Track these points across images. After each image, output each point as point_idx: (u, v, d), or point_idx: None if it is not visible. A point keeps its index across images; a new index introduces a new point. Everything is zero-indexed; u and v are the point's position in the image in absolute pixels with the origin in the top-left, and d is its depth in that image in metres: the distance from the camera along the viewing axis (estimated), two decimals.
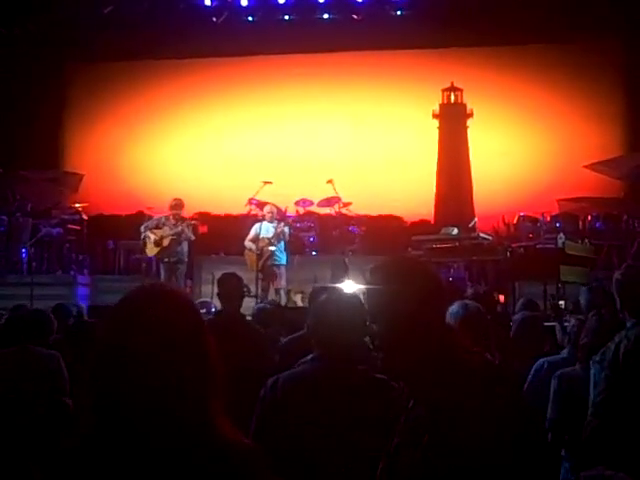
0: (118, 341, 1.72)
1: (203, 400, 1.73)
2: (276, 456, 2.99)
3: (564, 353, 4.85)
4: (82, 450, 1.71)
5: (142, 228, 11.24)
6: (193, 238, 11.28)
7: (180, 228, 10.94)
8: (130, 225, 13.11)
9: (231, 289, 5.62)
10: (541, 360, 4.76)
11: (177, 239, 11.01)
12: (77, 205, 13.94)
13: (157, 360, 1.69)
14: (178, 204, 11.12)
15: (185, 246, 11.21)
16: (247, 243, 11.36)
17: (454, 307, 3.95)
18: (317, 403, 3.11)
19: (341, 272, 11.32)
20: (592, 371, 3.61)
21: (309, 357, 3.28)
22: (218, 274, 6.22)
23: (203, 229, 12.67)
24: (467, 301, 4.25)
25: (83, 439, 1.73)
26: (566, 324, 5.02)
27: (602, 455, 3.35)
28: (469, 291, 6.04)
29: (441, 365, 2.13)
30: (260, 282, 11.00)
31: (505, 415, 2.08)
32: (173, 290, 1.82)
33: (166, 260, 11.06)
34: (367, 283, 2.24)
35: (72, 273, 13.25)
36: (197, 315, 1.80)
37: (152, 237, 11.04)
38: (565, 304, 9.24)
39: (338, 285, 7.73)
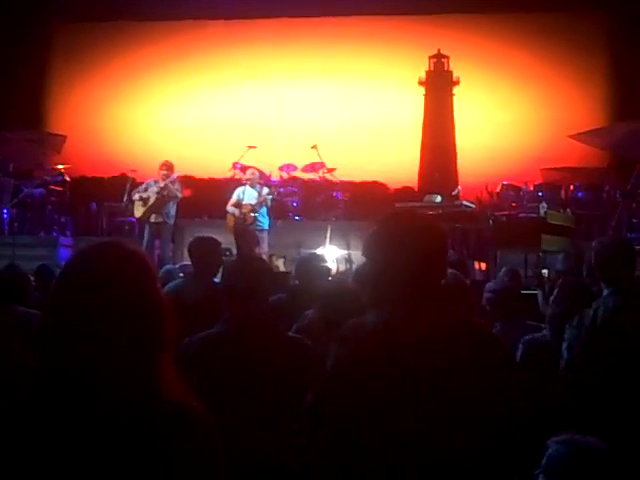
0: (63, 296, 1.73)
1: (150, 358, 1.72)
2: None
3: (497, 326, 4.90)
4: (17, 408, 1.71)
5: (136, 196, 11.06)
6: (180, 196, 11.12)
7: (164, 184, 10.80)
8: (113, 187, 13.06)
9: (201, 255, 5.51)
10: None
11: (162, 197, 10.88)
12: (60, 166, 13.84)
13: (102, 315, 1.69)
14: (167, 166, 10.99)
15: (172, 208, 11.07)
16: (229, 207, 11.33)
17: None
18: (226, 363, 3.19)
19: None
20: (566, 335, 3.68)
21: (221, 319, 3.37)
22: None
23: (187, 192, 12.62)
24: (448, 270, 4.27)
25: (20, 398, 1.73)
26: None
27: (574, 416, 3.43)
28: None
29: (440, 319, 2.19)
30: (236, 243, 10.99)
31: (501, 370, 2.16)
32: (125, 248, 1.80)
33: (152, 221, 10.95)
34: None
35: (54, 234, 13.21)
36: (147, 271, 1.79)
37: (140, 198, 10.94)
38: (548, 273, 9.31)
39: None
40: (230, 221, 11.28)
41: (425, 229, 2.26)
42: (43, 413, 1.68)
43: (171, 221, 11.13)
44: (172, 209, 11.05)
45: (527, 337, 4.36)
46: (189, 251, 5.70)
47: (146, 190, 10.97)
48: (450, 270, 4.25)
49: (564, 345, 3.69)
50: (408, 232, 2.23)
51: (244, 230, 11.05)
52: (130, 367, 1.70)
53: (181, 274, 7.03)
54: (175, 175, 11.01)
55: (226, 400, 2.93)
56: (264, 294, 3.39)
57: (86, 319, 1.68)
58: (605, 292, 3.72)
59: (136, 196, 11.00)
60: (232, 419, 2.64)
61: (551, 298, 4.56)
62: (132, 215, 11.43)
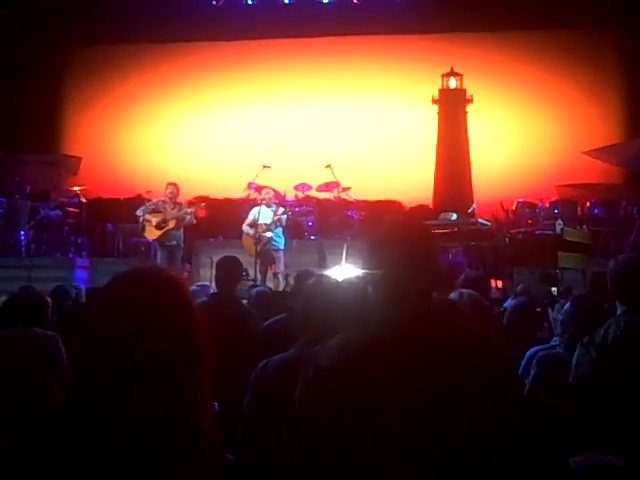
0: (105, 322, 1.70)
1: (188, 386, 1.71)
2: (266, 439, 3.01)
3: (555, 341, 4.88)
4: (46, 427, 1.69)
5: (139, 212, 11.20)
6: (195, 222, 11.30)
7: (183, 213, 10.95)
8: (129, 208, 13.11)
9: (227, 271, 5.60)
10: (533, 349, 4.79)
11: (180, 223, 11.00)
12: (76, 188, 13.92)
13: (143, 343, 1.67)
14: (172, 187, 11.13)
15: (182, 231, 11.22)
16: (245, 227, 11.36)
17: (452, 296, 3.97)
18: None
19: (321, 260, 11.42)
20: (576, 352, 3.66)
21: (300, 342, 3.28)
22: (216, 258, 6.20)
23: (202, 213, 12.67)
24: (462, 289, 4.26)
25: (49, 417, 1.71)
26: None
27: (587, 435, 3.39)
28: (461, 276, 6.03)
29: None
30: (258, 266, 11.02)
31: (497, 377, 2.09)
32: (164, 272, 1.79)
33: (167, 244, 11.04)
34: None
35: (71, 256, 13.26)
36: (187, 298, 1.78)
37: (153, 220, 11.00)
38: (558, 290, 9.26)
39: (326, 271, 7.77)
40: (246, 241, 11.31)
41: (410, 237, 2.23)
42: (73, 438, 1.65)
43: (182, 243, 11.26)
44: (181, 231, 11.21)
45: (541, 353, 4.35)
46: (217, 269, 5.71)
47: (156, 211, 11.04)
48: (466, 290, 4.25)
49: (572, 362, 3.67)
50: (392, 241, 2.21)
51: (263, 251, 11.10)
52: (170, 395, 1.68)
53: (201, 294, 7.03)
54: (195, 208, 11.17)
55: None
56: (346, 316, 3.31)
57: (129, 346, 1.66)
58: (619, 311, 3.70)
59: (147, 216, 11.06)
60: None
61: (561, 314, 4.54)
62: (144, 236, 11.49)
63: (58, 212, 13.36)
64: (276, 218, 11.22)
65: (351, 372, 2.06)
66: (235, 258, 5.84)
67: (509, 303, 6.67)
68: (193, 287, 7.97)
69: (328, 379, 2.07)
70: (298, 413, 2.15)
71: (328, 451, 2.04)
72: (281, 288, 10.74)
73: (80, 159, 15.02)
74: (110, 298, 1.75)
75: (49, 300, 5.56)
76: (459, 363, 2.05)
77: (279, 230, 11.35)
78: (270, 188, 11.90)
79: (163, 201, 11.11)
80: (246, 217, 11.53)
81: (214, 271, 6.01)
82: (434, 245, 2.35)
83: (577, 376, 3.63)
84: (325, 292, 3.34)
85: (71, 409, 1.69)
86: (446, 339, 2.11)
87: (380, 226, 2.33)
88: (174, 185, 11.17)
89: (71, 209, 13.56)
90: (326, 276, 4.06)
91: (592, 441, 3.27)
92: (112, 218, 14.12)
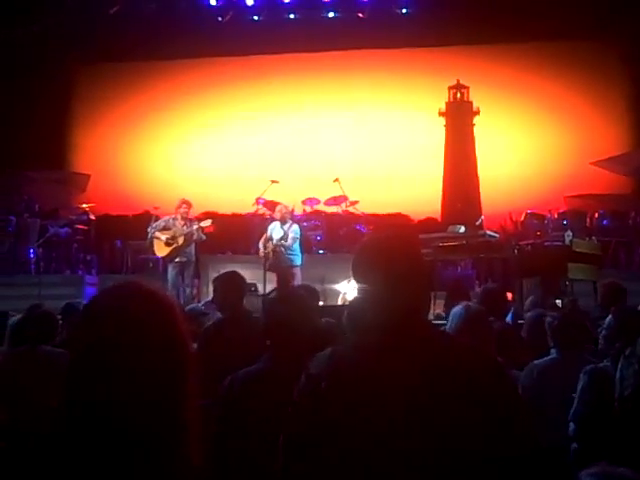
0: (89, 340, 1.71)
1: (176, 396, 1.72)
2: (235, 453, 3.08)
3: (553, 353, 4.85)
4: (46, 448, 1.70)
5: (149, 229, 11.18)
6: (204, 238, 11.24)
7: (192, 229, 10.93)
8: (137, 225, 13.14)
9: (228, 286, 5.55)
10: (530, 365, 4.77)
11: (189, 240, 10.99)
12: (84, 205, 13.97)
13: (128, 359, 1.68)
14: (186, 205, 11.09)
15: (193, 246, 11.19)
16: (260, 244, 11.31)
17: (457, 308, 3.95)
18: (269, 401, 3.13)
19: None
20: (619, 365, 3.62)
21: (264, 356, 3.37)
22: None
23: (210, 228, 12.66)
24: (470, 303, 4.24)
25: (50, 438, 1.72)
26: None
27: (628, 450, 3.36)
28: (477, 289, 6.03)
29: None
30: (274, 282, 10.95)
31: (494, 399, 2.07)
32: (147, 288, 1.79)
33: (177, 260, 11.03)
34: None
35: (80, 273, 13.29)
36: (172, 312, 1.78)
37: (163, 237, 10.99)
38: (562, 302, 9.21)
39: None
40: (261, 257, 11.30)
41: (390, 254, 2.23)
42: (69, 454, 1.67)
43: (193, 259, 11.23)
44: (192, 248, 11.16)
45: (589, 366, 4.29)
46: (214, 286, 5.70)
47: (166, 228, 11.01)
48: (474, 304, 4.22)
49: (617, 376, 3.62)
50: (380, 257, 2.23)
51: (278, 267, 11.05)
52: (156, 407, 1.69)
53: (207, 310, 7.03)
54: (203, 224, 11.11)
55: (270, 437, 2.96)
56: (305, 329, 3.38)
57: (111, 360, 1.67)
58: None
59: (156, 233, 11.03)
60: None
61: (604, 326, 4.49)
62: (153, 252, 11.47)
63: (67, 230, 13.40)
64: (284, 234, 11.11)
65: (339, 379, 2.10)
66: (235, 273, 5.77)
67: (510, 317, 6.64)
68: (194, 305, 7.97)
69: (318, 385, 2.11)
70: (292, 419, 2.18)
71: (322, 458, 2.06)
72: None
73: (88, 176, 15.10)
74: (91, 314, 1.77)
75: (58, 317, 5.57)
76: (445, 374, 2.06)
77: (296, 246, 11.23)
78: (282, 205, 11.85)
79: (174, 218, 11.08)
80: (254, 232, 11.51)
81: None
82: (418, 260, 2.31)
83: (622, 391, 3.58)
84: (283, 307, 3.41)
85: (62, 427, 1.70)
86: (432, 352, 2.12)
87: (362, 243, 2.34)
88: (186, 202, 11.12)
89: (80, 226, 13.60)
90: (288, 290, 4.12)
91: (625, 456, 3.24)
92: (120, 235, 14.14)
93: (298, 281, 11.14)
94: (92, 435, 1.67)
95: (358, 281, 2.25)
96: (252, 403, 3.21)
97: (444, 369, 2.07)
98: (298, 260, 11.22)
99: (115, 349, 1.68)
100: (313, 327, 3.46)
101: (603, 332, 4.51)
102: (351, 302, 3.62)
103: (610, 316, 4.48)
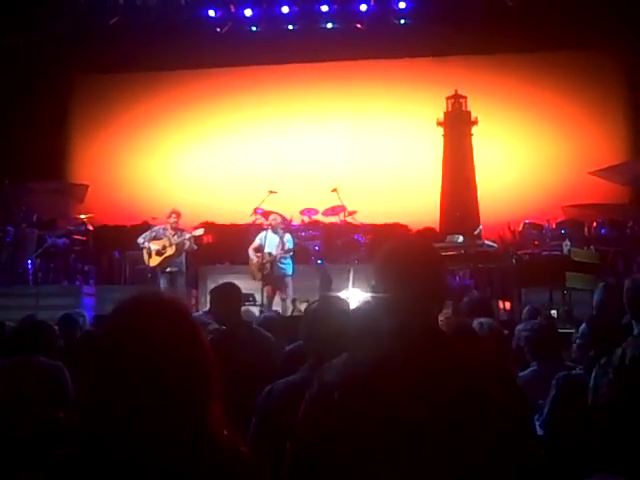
0: (113, 351, 1.72)
1: (200, 407, 1.73)
2: (271, 462, 3.06)
3: (533, 365, 4.84)
4: (72, 461, 1.70)
5: (140, 239, 11.22)
6: (195, 248, 11.27)
7: (183, 239, 10.94)
8: (135, 235, 13.12)
9: (225, 298, 5.54)
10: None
11: (180, 249, 11.01)
12: (82, 216, 13.97)
13: (152, 369, 1.69)
14: (175, 215, 11.15)
15: (183, 256, 11.22)
16: (250, 252, 11.35)
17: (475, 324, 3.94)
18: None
19: (326, 283, 11.39)
20: (593, 374, 3.62)
21: (305, 365, 3.31)
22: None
23: (208, 239, 12.67)
24: (482, 319, 4.24)
25: (74, 450, 1.72)
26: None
27: (602, 459, 3.35)
28: (465, 299, 6.00)
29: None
30: (265, 291, 11.01)
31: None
32: (167, 298, 1.81)
33: (167, 270, 11.05)
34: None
35: (78, 283, 13.27)
36: (192, 322, 1.81)
37: (153, 247, 11.03)
38: (558, 313, 9.20)
39: (337, 294, 7.72)
40: (251, 266, 11.30)
41: (412, 259, 2.23)
42: (91, 465, 1.68)
43: (184, 269, 11.24)
44: (183, 258, 11.19)
45: (561, 373, 4.30)
46: (210, 297, 5.70)
47: (156, 238, 11.05)
48: (485, 320, 4.22)
49: (591, 384, 3.62)
50: (395, 265, 2.22)
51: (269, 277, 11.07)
52: (184, 418, 1.70)
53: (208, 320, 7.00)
54: (195, 234, 11.12)
55: None
56: (346, 339, 3.33)
57: (136, 373, 1.69)
58: (635, 330, 3.65)
59: (145, 244, 11.08)
60: None
61: (578, 335, 4.49)
62: (143, 262, 11.48)
63: (65, 240, 13.39)
64: (280, 248, 11.15)
65: (353, 388, 2.07)
66: (231, 284, 5.77)
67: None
68: (198, 313, 7.95)
69: (331, 393, 2.08)
70: (302, 427, 2.16)
71: (331, 466, 2.04)
72: (289, 313, 10.72)
73: (87, 186, 15.10)
74: (116, 327, 1.77)
75: (56, 328, 5.55)
76: (458, 385, 2.05)
77: (289, 256, 11.33)
78: (277, 213, 11.89)
79: (164, 228, 11.13)
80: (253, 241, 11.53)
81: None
82: (439, 267, 2.30)
83: (595, 399, 3.59)
84: (327, 316, 3.34)
85: (86, 445, 1.70)
86: (448, 362, 2.11)
87: (383, 249, 2.31)
88: (176, 212, 11.19)
89: (78, 237, 13.58)
90: (329, 299, 4.05)
91: (608, 462, 3.23)
92: (118, 245, 14.12)
93: (290, 291, 11.21)
94: (111, 450, 1.67)
95: (378, 287, 2.22)
96: (290, 413, 3.18)
97: (460, 382, 2.06)
98: (290, 270, 11.30)
99: (142, 364, 1.69)
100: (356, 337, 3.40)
101: (577, 341, 4.52)
102: (355, 310, 3.56)
103: (584, 325, 4.49)
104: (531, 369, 4.83)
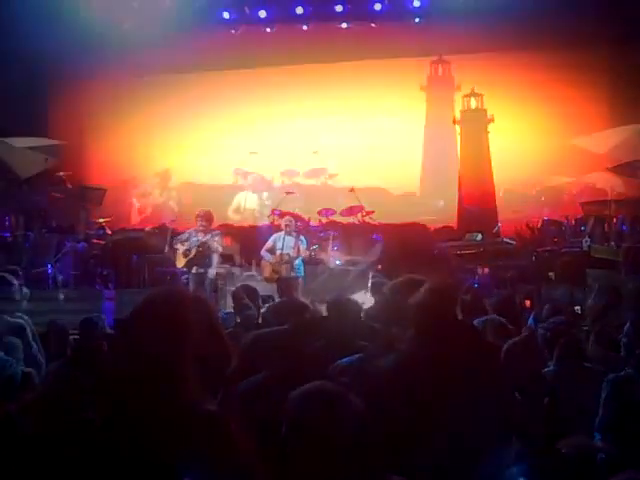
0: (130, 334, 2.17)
1: (183, 377, 2.03)
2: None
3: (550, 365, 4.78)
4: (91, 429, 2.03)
5: (175, 243, 11.20)
6: (220, 249, 11.14)
7: (205, 238, 10.88)
8: (154, 239, 13.16)
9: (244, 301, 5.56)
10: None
11: (203, 250, 10.94)
12: (101, 220, 14.02)
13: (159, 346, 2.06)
14: (204, 215, 11.02)
15: (214, 258, 11.10)
16: (263, 252, 11.34)
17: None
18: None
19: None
20: None
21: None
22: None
23: (227, 241, 12.66)
24: (486, 317, 4.21)
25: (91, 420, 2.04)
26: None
27: None
28: (488, 301, 5.96)
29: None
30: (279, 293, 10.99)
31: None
32: (188, 292, 2.03)
33: (194, 271, 11.03)
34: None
35: (97, 288, 13.30)
36: (211, 312, 2.07)
37: (181, 248, 11.03)
38: (581, 309, 9.11)
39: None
40: (265, 267, 11.31)
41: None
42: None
43: (212, 272, 11.12)
44: (214, 259, 11.05)
45: (611, 375, 4.23)
46: (233, 299, 5.69)
47: (187, 241, 11.02)
48: (490, 317, 4.19)
49: None
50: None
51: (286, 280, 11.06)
52: (173, 387, 2.00)
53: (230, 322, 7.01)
54: (218, 231, 11.07)
55: None
56: None
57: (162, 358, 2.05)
58: None
59: (178, 246, 11.06)
60: None
61: (623, 334, 4.44)
62: (174, 265, 11.48)
63: (84, 244, 13.43)
64: (296, 251, 11.19)
65: (398, 380, 2.87)
66: (250, 287, 5.77)
67: (532, 321, 6.59)
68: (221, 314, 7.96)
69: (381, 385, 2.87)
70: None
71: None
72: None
73: (105, 190, 15.13)
74: (142, 314, 2.26)
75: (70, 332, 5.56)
76: (472, 367, 2.82)
77: (299, 258, 11.34)
78: (292, 215, 11.88)
79: (196, 231, 11.06)
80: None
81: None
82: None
83: None
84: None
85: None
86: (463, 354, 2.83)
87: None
88: (201, 215, 11.06)
89: (96, 241, 13.63)
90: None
91: None
92: (137, 249, 14.14)
93: (301, 291, 11.18)
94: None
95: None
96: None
97: (473, 364, 2.87)
98: (301, 271, 11.30)
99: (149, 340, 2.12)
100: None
101: (623, 340, 4.46)
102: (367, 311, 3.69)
103: (628, 324, 4.43)
104: (548, 369, 4.77)
